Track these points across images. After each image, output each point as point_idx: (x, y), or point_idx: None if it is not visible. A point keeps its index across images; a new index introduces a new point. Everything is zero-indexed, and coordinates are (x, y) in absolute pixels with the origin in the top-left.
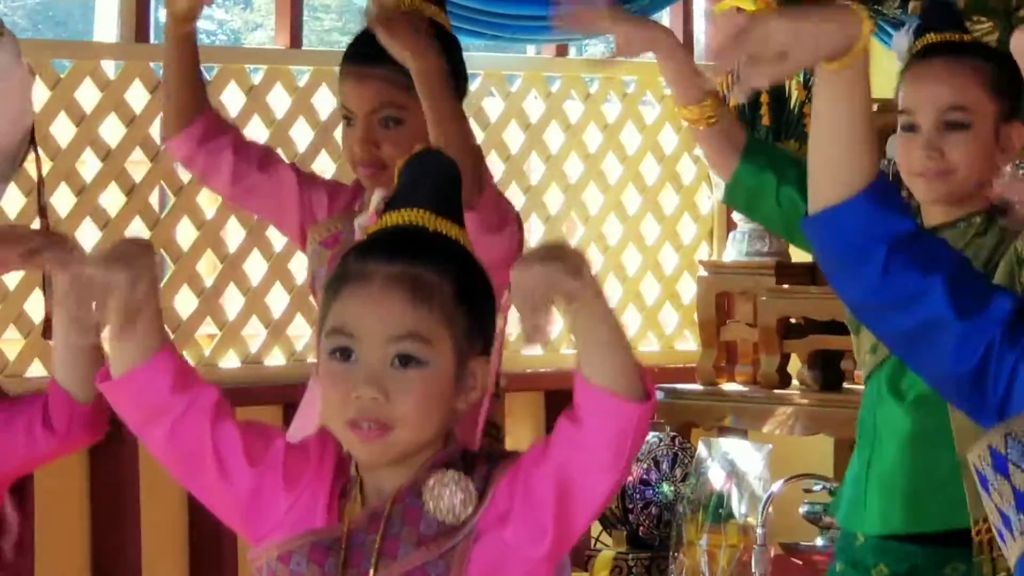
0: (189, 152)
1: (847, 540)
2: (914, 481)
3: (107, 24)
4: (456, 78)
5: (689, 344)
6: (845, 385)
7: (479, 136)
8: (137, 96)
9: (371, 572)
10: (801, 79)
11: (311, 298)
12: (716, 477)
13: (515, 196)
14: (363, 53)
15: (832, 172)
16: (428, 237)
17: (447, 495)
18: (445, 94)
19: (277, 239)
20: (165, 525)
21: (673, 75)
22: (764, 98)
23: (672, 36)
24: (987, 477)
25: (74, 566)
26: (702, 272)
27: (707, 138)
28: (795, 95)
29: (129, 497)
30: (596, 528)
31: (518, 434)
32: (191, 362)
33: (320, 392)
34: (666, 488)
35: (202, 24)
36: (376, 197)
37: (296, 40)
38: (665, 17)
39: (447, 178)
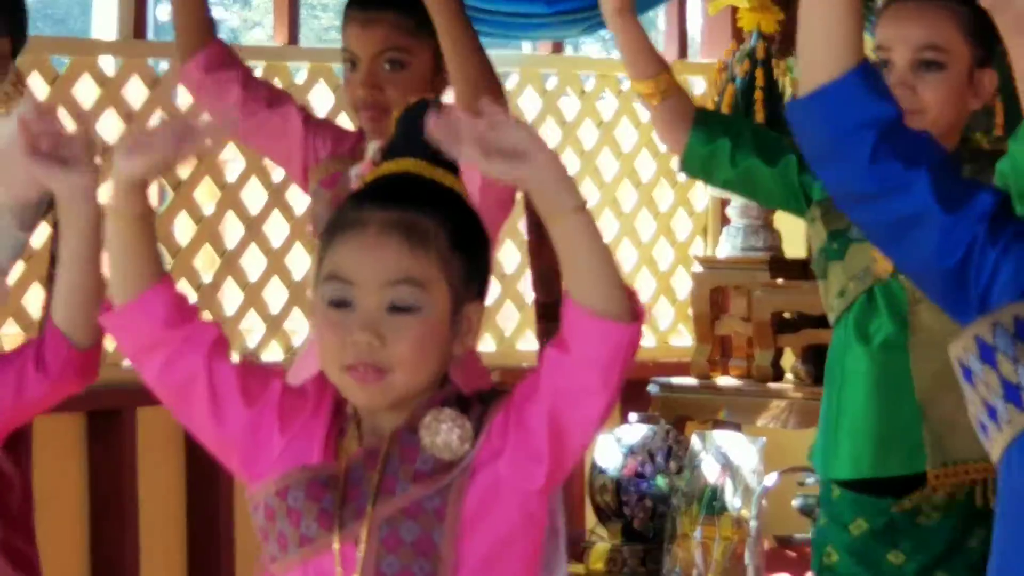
0: (197, 79)
1: (825, 492)
2: (879, 425)
3: (105, 21)
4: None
5: (684, 339)
6: None
7: None
8: (135, 93)
9: (369, 508)
10: (794, 75)
11: (308, 291)
12: (710, 470)
13: None
14: None
15: (823, 49)
16: (424, 184)
17: (443, 431)
18: (463, 25)
19: (275, 234)
20: (163, 509)
21: (628, 49)
22: (758, 94)
23: (627, 10)
24: (972, 368)
25: (73, 557)
26: (697, 267)
27: (660, 114)
28: (789, 90)
29: (127, 482)
30: (591, 520)
31: None
32: None
33: (317, 338)
34: (660, 481)
35: None
36: (373, 146)
37: (294, 37)
38: (660, 16)
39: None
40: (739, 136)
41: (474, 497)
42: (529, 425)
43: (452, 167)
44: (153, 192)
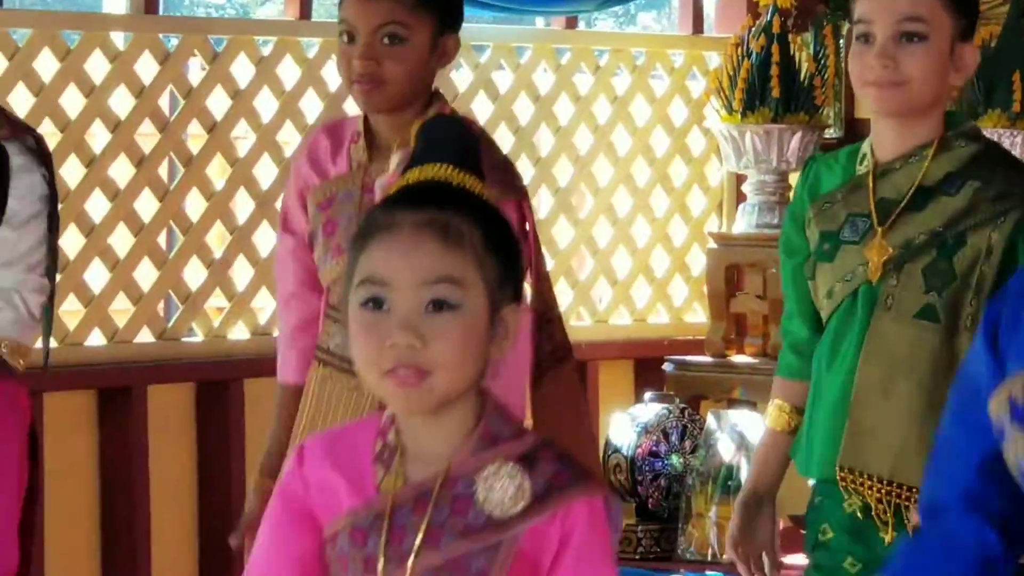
0: None
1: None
2: (833, 427)
3: None
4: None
5: (698, 316)
6: None
7: (489, 109)
8: (146, 67)
9: (411, 558)
10: (811, 51)
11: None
12: (725, 449)
13: (525, 168)
14: None
15: None
16: (453, 189)
17: (498, 488)
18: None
19: None
20: (174, 487)
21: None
22: (774, 70)
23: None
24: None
25: (83, 534)
26: (711, 244)
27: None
28: (805, 66)
29: (137, 460)
30: None
31: (608, 400)
32: (200, 334)
33: (352, 345)
34: (675, 460)
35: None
36: (396, 157)
37: (306, 12)
38: None
39: (467, 136)
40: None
41: (521, 562)
42: None
43: (479, 173)
44: (164, 168)
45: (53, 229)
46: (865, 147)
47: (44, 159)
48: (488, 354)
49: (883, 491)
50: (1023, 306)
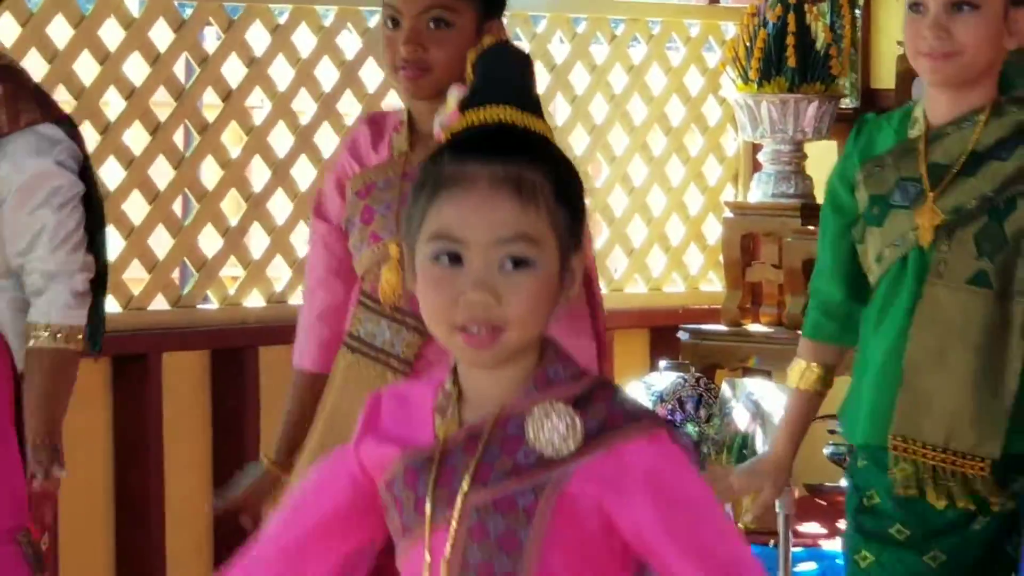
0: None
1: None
2: (879, 392)
3: None
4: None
5: (714, 285)
6: None
7: None
8: (161, 35)
9: (459, 496)
10: (828, 20)
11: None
12: (741, 418)
13: None
14: None
15: None
16: (520, 134)
17: (548, 427)
18: None
19: (302, 178)
20: (188, 454)
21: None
22: (791, 39)
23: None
24: None
25: (97, 501)
26: (727, 213)
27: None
28: (821, 36)
29: (152, 427)
30: None
31: (624, 369)
32: (215, 302)
33: (421, 298)
34: (691, 428)
35: None
36: (454, 93)
37: None
38: None
39: (525, 72)
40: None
41: (568, 503)
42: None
43: (539, 111)
44: (179, 136)
45: (94, 208)
46: (917, 111)
47: (76, 140)
48: (555, 304)
49: (938, 458)
50: None
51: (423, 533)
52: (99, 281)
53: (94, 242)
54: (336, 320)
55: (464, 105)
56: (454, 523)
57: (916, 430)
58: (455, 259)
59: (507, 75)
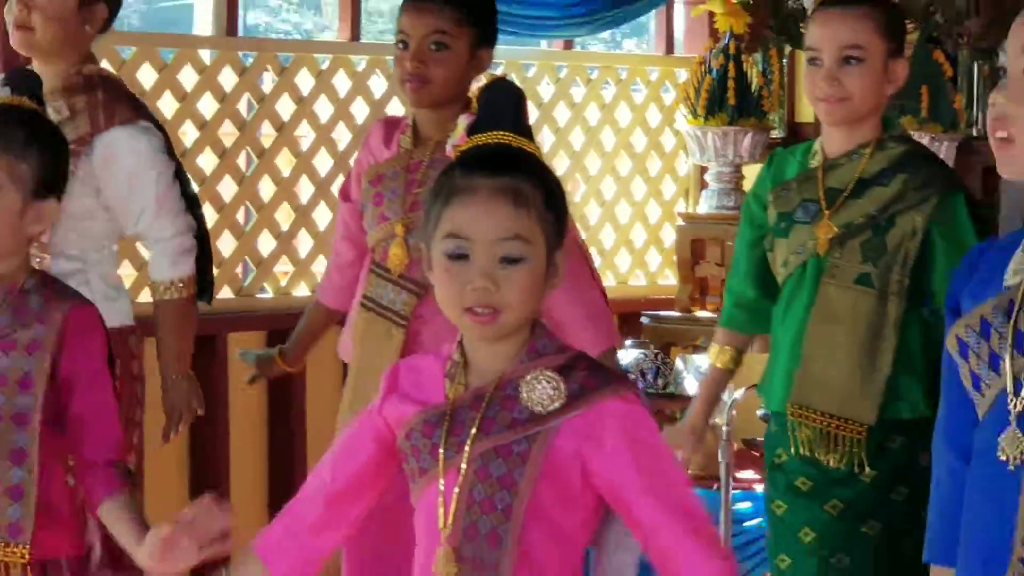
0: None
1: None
2: (785, 370)
3: (204, 21)
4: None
5: (669, 280)
6: None
7: None
8: (227, 79)
9: (467, 443)
10: (760, 68)
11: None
12: (690, 386)
13: None
14: None
15: None
16: (515, 154)
17: (538, 389)
18: None
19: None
20: (249, 418)
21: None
22: (731, 83)
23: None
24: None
25: (175, 455)
26: (680, 222)
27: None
28: (755, 80)
29: (220, 396)
30: None
31: None
32: (270, 292)
33: (436, 284)
34: (650, 394)
35: (280, 25)
36: (463, 120)
37: (356, 35)
38: (651, 19)
39: (519, 105)
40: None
41: (555, 451)
42: (602, 474)
43: (530, 136)
44: (242, 159)
45: (183, 181)
46: (816, 145)
47: (163, 132)
48: (543, 291)
49: (827, 423)
50: (968, 277)
51: (437, 473)
52: (202, 244)
53: (192, 207)
54: (348, 273)
55: (471, 130)
56: (463, 465)
57: (810, 400)
58: (463, 256)
59: (505, 107)
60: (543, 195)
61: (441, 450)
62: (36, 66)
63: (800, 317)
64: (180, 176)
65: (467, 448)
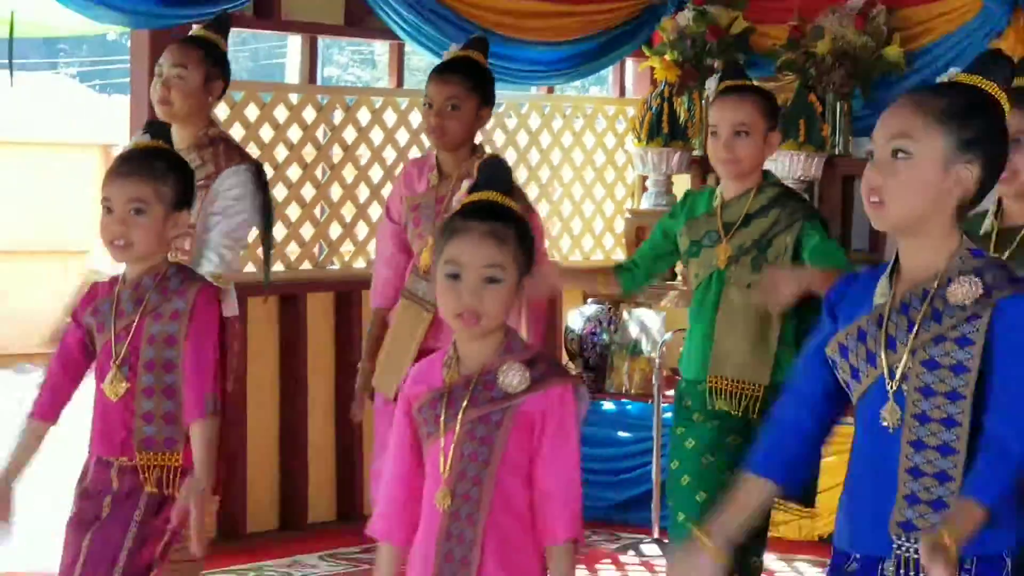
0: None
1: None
2: (700, 349)
3: (293, 73)
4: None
5: (620, 256)
6: None
7: (502, 138)
8: (309, 114)
9: (460, 414)
10: (687, 107)
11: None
12: (634, 330)
13: (522, 173)
14: (442, 68)
15: None
16: (501, 209)
17: (510, 375)
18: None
19: (375, 210)
20: (322, 360)
21: (578, 284)
22: (665, 117)
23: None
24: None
25: (268, 389)
26: (628, 215)
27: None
28: (682, 115)
29: (301, 342)
30: (564, 358)
31: (568, 303)
32: (337, 264)
33: (438, 295)
34: (605, 337)
35: (347, 76)
36: (466, 184)
37: (400, 84)
38: (610, 71)
39: (508, 174)
40: (642, 264)
41: (520, 418)
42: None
43: (513, 197)
44: (319, 171)
45: (269, 210)
46: (717, 191)
47: (258, 171)
48: (512, 305)
49: (734, 386)
50: (846, 289)
51: (439, 436)
52: (267, 246)
53: (267, 224)
54: (393, 279)
55: (471, 190)
56: (457, 428)
57: (722, 371)
58: (457, 277)
59: (495, 176)
60: (517, 238)
61: (442, 419)
62: (175, 130)
63: (710, 314)
64: (267, 202)
65: (460, 417)
